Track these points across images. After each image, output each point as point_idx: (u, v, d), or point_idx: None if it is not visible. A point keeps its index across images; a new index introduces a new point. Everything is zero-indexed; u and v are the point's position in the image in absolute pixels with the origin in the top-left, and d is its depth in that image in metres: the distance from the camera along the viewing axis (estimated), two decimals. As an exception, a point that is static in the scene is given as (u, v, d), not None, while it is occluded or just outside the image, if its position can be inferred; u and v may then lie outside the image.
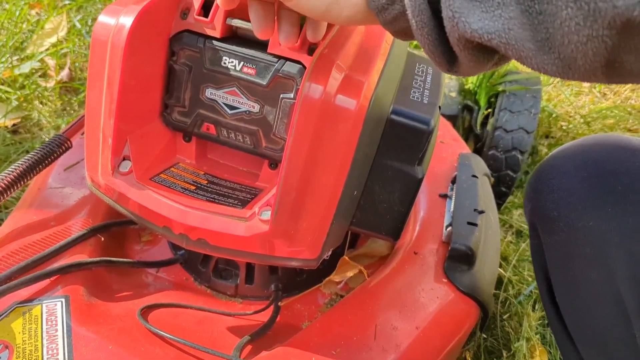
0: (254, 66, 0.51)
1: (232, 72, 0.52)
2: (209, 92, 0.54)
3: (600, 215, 0.51)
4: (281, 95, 0.51)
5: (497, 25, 0.33)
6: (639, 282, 0.48)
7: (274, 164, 0.57)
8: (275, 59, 0.51)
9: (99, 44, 0.50)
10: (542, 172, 0.58)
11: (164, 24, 0.52)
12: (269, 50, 0.51)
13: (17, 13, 1.33)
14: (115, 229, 0.71)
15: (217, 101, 0.54)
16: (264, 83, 0.51)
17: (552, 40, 0.32)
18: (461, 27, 0.33)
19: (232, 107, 0.53)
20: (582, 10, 0.29)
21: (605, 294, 0.52)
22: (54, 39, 1.29)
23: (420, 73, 0.59)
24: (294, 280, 0.70)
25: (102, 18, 0.50)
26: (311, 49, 0.50)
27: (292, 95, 0.51)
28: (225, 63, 0.52)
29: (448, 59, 0.37)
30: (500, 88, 1.11)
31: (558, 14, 0.31)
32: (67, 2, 1.41)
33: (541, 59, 0.33)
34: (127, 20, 0.48)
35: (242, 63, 0.52)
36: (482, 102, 1.16)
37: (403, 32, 0.39)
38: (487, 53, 0.36)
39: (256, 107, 0.53)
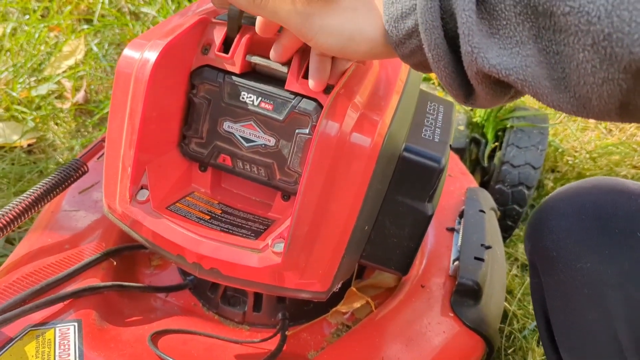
0: (271, 102, 0.53)
1: (249, 107, 0.54)
2: (227, 125, 0.55)
3: (597, 258, 0.52)
4: (296, 131, 0.53)
5: (515, 62, 0.34)
6: (635, 323, 0.49)
7: (287, 195, 0.58)
8: (292, 96, 0.53)
9: (122, 77, 0.52)
10: (541, 213, 0.59)
11: (185, 58, 0.54)
12: (286, 87, 0.53)
13: (36, 35, 1.37)
14: (127, 253, 0.72)
15: (234, 134, 0.55)
16: (281, 118, 0.53)
17: (568, 80, 0.33)
18: (479, 62, 0.34)
19: (248, 140, 0.55)
20: (598, 54, 0.30)
21: (602, 334, 0.52)
22: (71, 62, 1.32)
23: (431, 111, 0.61)
24: (301, 310, 0.70)
25: (127, 52, 0.52)
26: (328, 88, 0.51)
27: (307, 131, 0.53)
28: (243, 98, 0.54)
29: (465, 91, 0.39)
30: (509, 124, 1.13)
31: (575, 56, 0.32)
32: (85, 27, 1.44)
33: (557, 97, 0.34)
34: (151, 55, 0.50)
35: (260, 98, 0.53)
36: (490, 136, 1.18)
37: (421, 65, 0.40)
38: (504, 87, 0.37)
39: (272, 141, 0.54)
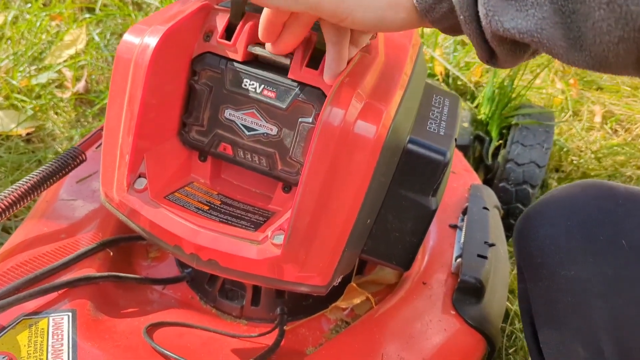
0: (274, 89, 0.52)
1: (252, 94, 0.52)
2: (228, 113, 0.54)
3: (581, 265, 0.52)
4: (300, 119, 0.52)
5: (530, 24, 0.34)
6: (618, 331, 0.49)
7: (288, 187, 0.57)
8: (296, 84, 0.51)
9: (122, 62, 0.51)
10: (528, 218, 0.59)
11: (187, 45, 0.53)
12: (289, 76, 0.51)
13: (38, 24, 1.35)
14: (124, 244, 0.71)
15: (235, 122, 0.54)
16: (284, 106, 0.52)
17: (583, 39, 0.33)
18: (494, 25, 0.35)
19: (250, 129, 0.54)
20: (614, 12, 0.31)
21: (585, 343, 0.52)
22: (72, 51, 1.30)
23: (437, 104, 0.59)
24: (300, 305, 0.69)
25: (127, 37, 0.51)
26: None
27: (310, 120, 0.51)
28: (245, 85, 0.52)
29: (488, 51, 0.39)
30: (514, 121, 1.12)
31: (591, 15, 0.32)
32: (87, 16, 1.43)
33: (573, 56, 0.34)
34: (151, 41, 0.49)
35: (262, 86, 0.52)
36: (494, 133, 1.16)
37: (452, 29, 0.41)
38: (522, 47, 0.38)
39: (274, 130, 0.53)
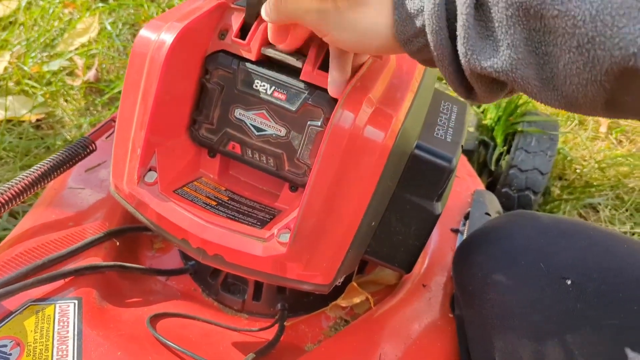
0: (284, 92, 0.53)
1: (262, 96, 0.53)
2: (238, 113, 0.55)
3: (504, 288, 0.55)
4: (308, 122, 0.52)
5: (505, 64, 0.35)
6: (538, 350, 0.52)
7: (295, 186, 0.58)
8: (306, 87, 0.52)
9: (138, 57, 0.51)
10: (462, 248, 0.64)
11: (202, 42, 0.54)
12: (301, 77, 0.52)
13: (51, 11, 1.36)
14: (129, 234, 0.72)
15: (245, 122, 0.55)
16: (293, 109, 0.52)
17: (555, 79, 0.34)
18: (472, 63, 0.36)
19: (259, 129, 0.55)
20: (583, 56, 0.32)
21: None
22: (84, 39, 1.31)
23: (445, 111, 0.60)
24: (301, 301, 0.70)
25: (144, 32, 0.51)
26: None
27: (319, 124, 0.52)
28: (257, 86, 0.53)
29: (465, 88, 0.40)
30: (519, 128, 1.12)
31: (562, 57, 0.33)
32: (100, 5, 1.44)
33: (546, 94, 0.35)
34: (168, 37, 0.50)
35: (273, 87, 0.53)
36: (499, 139, 1.17)
37: (428, 61, 0.42)
38: (499, 84, 0.39)
39: (283, 131, 0.54)
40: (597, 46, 0.31)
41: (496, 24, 0.35)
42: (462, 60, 0.37)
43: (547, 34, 0.33)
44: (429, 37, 0.38)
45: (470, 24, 0.36)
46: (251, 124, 0.55)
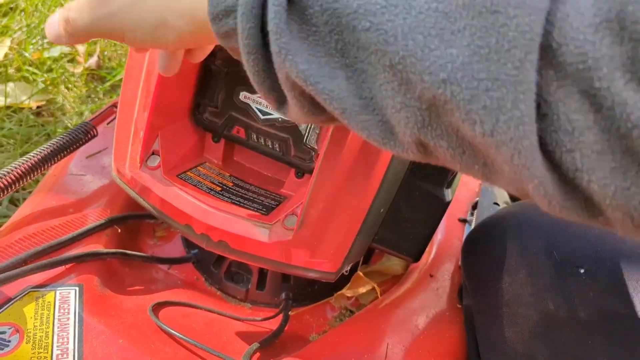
0: None
1: None
2: (243, 95, 0.53)
3: (514, 277, 0.54)
4: None
5: (324, 71, 0.30)
6: (551, 340, 0.51)
7: (301, 172, 0.56)
8: None
9: (141, 37, 0.50)
10: (471, 237, 0.63)
11: (206, 22, 0.52)
12: None
13: (52, -3, 1.35)
14: (131, 222, 0.71)
15: (250, 105, 0.53)
16: None
17: (375, 100, 0.29)
18: (288, 64, 0.30)
19: (264, 112, 0.53)
20: (396, 77, 0.28)
21: (520, 355, 0.54)
22: (85, 26, 1.30)
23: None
24: (306, 291, 0.69)
25: (147, 11, 0.50)
26: None
27: None
28: None
29: (277, 96, 0.33)
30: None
31: (377, 76, 0.29)
32: (101, -9, 1.42)
33: (365, 118, 0.30)
34: (172, 16, 0.48)
35: None
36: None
37: (237, 53, 0.33)
38: (316, 104, 0.32)
39: None
40: (408, 68, 0.27)
41: (313, 28, 0.29)
42: (276, 61, 0.30)
43: (361, 49, 0.28)
44: (238, 19, 0.31)
45: (282, 18, 0.29)
46: (256, 107, 0.53)
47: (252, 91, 0.53)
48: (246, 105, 0.54)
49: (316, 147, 0.52)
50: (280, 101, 0.34)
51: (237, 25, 0.31)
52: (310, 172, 0.55)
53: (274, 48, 0.30)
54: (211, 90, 0.54)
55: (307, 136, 0.52)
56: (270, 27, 0.29)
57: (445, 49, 0.26)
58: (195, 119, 0.56)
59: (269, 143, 0.55)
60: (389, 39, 0.27)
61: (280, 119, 0.53)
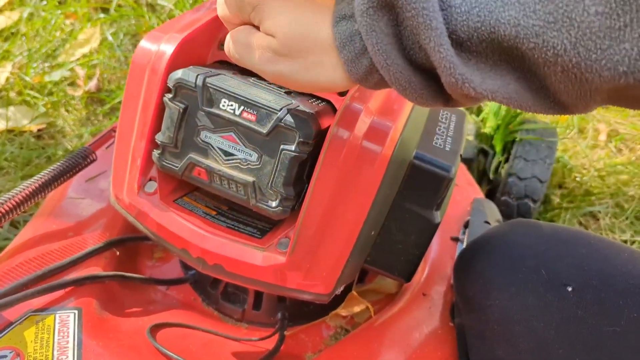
0: (254, 112, 0.48)
1: (230, 117, 0.49)
2: (204, 135, 0.50)
3: (505, 295, 0.56)
4: (282, 146, 0.48)
5: (497, 84, 0.34)
6: (538, 356, 0.53)
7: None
8: (278, 108, 0.48)
9: (138, 68, 0.52)
10: (463, 256, 0.64)
11: (202, 53, 0.54)
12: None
13: (52, 21, 1.37)
14: (129, 244, 0.72)
15: (211, 145, 0.50)
16: (264, 131, 0.48)
17: (546, 90, 0.34)
18: (465, 89, 0.35)
19: (227, 153, 0.50)
20: (570, 78, 0.32)
21: None
22: (85, 50, 1.32)
23: (444, 120, 0.60)
24: (301, 311, 0.70)
25: (144, 44, 0.52)
26: (342, 92, 0.51)
27: (292, 148, 0.48)
28: (224, 106, 0.49)
29: (443, 99, 0.39)
30: (518, 136, 1.13)
31: (548, 79, 0.33)
32: (101, 15, 1.45)
33: (540, 104, 0.35)
34: (168, 48, 0.50)
35: (242, 107, 0.48)
36: (498, 147, 1.17)
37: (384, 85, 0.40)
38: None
39: (254, 156, 0.49)
40: (583, 69, 0.31)
41: (475, 54, 0.34)
42: (450, 88, 0.35)
43: (527, 61, 0.33)
44: (382, 72, 0.37)
45: (452, 54, 0.34)
46: (218, 148, 0.50)
47: (214, 131, 0.50)
48: (207, 146, 0.50)
49: (283, 191, 0.49)
50: (446, 101, 0.38)
51: (384, 76, 0.37)
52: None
53: (449, 80, 0.35)
54: (169, 130, 0.50)
55: (273, 179, 0.49)
56: (443, 65, 0.34)
57: (618, 45, 0.29)
58: (154, 160, 0.53)
59: (233, 187, 0.51)
60: (559, 52, 0.31)
61: (244, 160, 0.50)
